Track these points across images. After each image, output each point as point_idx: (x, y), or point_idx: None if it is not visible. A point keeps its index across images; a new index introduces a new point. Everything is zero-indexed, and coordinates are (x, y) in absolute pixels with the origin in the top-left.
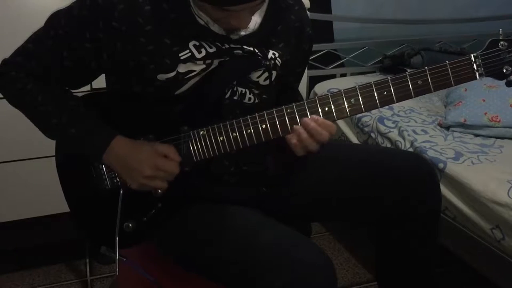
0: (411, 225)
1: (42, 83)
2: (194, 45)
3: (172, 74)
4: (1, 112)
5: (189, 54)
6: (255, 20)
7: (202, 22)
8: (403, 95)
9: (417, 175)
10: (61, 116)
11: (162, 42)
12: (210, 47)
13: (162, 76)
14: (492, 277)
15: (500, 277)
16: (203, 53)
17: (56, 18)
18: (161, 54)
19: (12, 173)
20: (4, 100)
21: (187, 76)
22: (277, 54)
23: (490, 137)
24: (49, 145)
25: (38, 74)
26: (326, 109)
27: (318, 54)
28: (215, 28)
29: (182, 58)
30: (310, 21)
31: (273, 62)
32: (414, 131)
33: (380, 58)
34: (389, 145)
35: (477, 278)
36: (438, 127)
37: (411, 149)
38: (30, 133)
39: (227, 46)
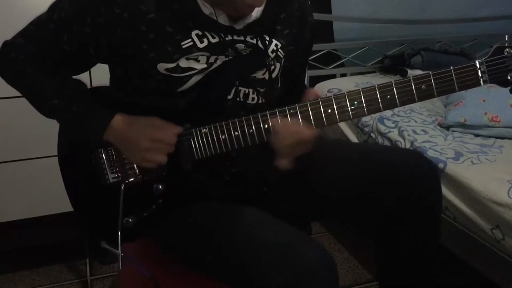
0: (412, 222)
1: (41, 67)
2: (197, 35)
3: (172, 65)
4: (1, 112)
5: (191, 43)
6: (258, 8)
7: (207, 12)
8: (407, 99)
9: (417, 172)
10: (59, 100)
11: (164, 30)
12: (213, 37)
13: (162, 66)
14: (492, 277)
15: (500, 277)
16: (205, 43)
17: (60, 2)
18: (162, 42)
19: (12, 173)
20: (4, 101)
21: (187, 73)
22: (279, 45)
23: (490, 137)
24: (49, 145)
25: (38, 57)
26: (329, 110)
27: (318, 54)
28: (220, 18)
29: (184, 46)
30: (312, 10)
31: (275, 54)
32: (414, 131)
33: (380, 58)
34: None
35: (477, 278)
36: (438, 127)
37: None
38: (30, 133)
39: (230, 37)
